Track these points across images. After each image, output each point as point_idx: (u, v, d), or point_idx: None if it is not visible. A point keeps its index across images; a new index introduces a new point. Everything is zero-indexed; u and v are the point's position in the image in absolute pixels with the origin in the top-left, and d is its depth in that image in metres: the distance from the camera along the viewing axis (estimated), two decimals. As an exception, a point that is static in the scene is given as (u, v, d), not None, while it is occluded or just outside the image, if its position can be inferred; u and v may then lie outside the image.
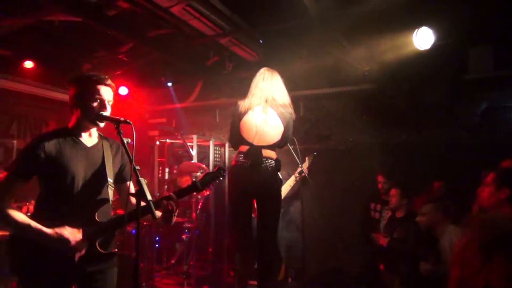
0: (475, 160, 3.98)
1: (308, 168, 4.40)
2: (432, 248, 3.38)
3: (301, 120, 5.70)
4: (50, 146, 2.08)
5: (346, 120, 5.31)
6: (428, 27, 3.92)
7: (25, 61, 5.05)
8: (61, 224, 2.01)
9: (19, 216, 2.00)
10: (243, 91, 5.84)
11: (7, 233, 3.21)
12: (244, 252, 3.46)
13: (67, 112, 2.26)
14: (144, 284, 4.59)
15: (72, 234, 2.01)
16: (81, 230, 2.04)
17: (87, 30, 4.60)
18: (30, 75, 5.27)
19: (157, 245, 5.68)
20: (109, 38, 4.91)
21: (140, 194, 1.98)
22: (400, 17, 3.92)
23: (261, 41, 5.19)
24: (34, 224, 1.98)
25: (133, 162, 2.02)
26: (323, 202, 5.21)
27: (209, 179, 2.33)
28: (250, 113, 3.34)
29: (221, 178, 2.35)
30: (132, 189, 2.19)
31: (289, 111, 3.40)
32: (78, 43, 5.04)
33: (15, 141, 5.52)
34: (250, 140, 3.30)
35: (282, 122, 3.32)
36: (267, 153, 3.27)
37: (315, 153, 4.53)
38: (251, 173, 3.21)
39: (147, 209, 1.97)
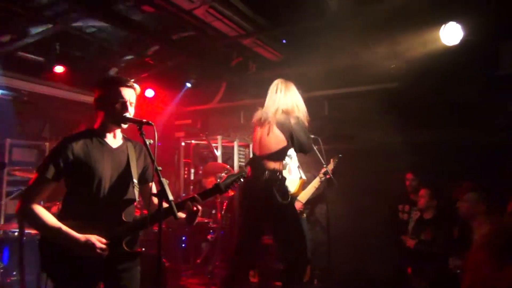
0: (507, 160, 3.82)
1: (333, 170, 4.35)
2: (464, 242, 3.27)
3: (326, 119, 5.65)
4: (78, 147, 2.13)
5: (371, 120, 5.20)
6: (456, 22, 3.79)
7: (56, 66, 5.23)
8: (89, 225, 2.07)
9: (49, 217, 2.04)
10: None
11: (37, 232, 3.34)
12: (238, 257, 3.46)
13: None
14: (169, 283, 4.65)
15: (99, 241, 2.04)
16: (106, 241, 2.07)
17: (114, 35, 4.73)
18: (61, 80, 5.45)
19: (183, 245, 5.77)
20: (135, 42, 5.03)
21: (162, 194, 2.00)
22: (426, 12, 3.81)
23: (284, 41, 5.17)
24: (64, 228, 2.02)
25: (155, 163, 2.05)
26: (348, 203, 5.12)
27: (232, 181, 2.34)
28: (258, 124, 3.43)
29: (242, 180, 2.36)
30: (154, 190, 2.23)
31: (289, 119, 3.34)
32: (106, 48, 5.19)
33: (47, 144, 5.73)
34: (254, 151, 3.44)
35: (281, 131, 3.30)
36: (267, 164, 3.28)
37: (340, 155, 4.46)
38: (252, 187, 3.29)
39: (169, 210, 2.00)
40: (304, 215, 4.36)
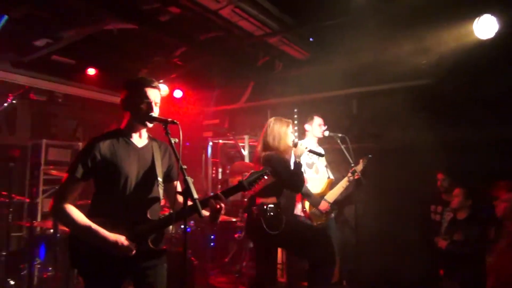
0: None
1: (362, 170, 4.26)
2: (499, 240, 3.13)
3: (354, 118, 5.55)
4: (105, 147, 2.19)
5: (400, 118, 5.07)
6: (491, 14, 3.62)
7: (88, 68, 5.41)
8: (115, 222, 2.12)
9: (80, 216, 2.11)
10: (294, 90, 5.87)
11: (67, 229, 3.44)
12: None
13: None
14: (198, 281, 4.70)
15: (128, 241, 2.10)
16: (132, 243, 2.12)
17: (142, 37, 4.84)
18: (93, 82, 5.63)
19: (212, 244, 5.82)
20: (163, 44, 5.12)
21: (186, 192, 2.02)
22: (458, 5, 3.66)
23: (311, 39, 5.12)
24: (94, 226, 2.08)
25: (180, 161, 2.07)
26: (377, 203, 5.01)
27: (255, 178, 2.34)
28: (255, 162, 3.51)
29: (265, 177, 2.35)
30: (180, 188, 2.25)
31: (267, 155, 3.33)
32: (135, 50, 5.31)
33: (80, 144, 5.93)
34: None
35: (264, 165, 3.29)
36: (256, 199, 3.37)
37: (369, 156, 4.36)
38: (247, 222, 3.58)
39: (194, 208, 2.01)
40: (332, 215, 4.30)
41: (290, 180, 3.31)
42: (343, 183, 4.24)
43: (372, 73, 5.06)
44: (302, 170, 4.15)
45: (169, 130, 2.19)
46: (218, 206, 2.16)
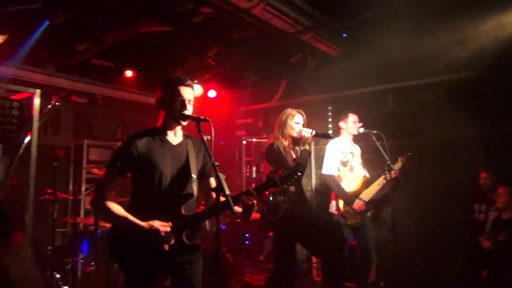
0: None
1: (401, 169, 4.15)
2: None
3: (390, 114, 5.41)
4: (141, 145, 2.26)
5: (439, 113, 4.88)
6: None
7: (126, 71, 5.59)
8: (152, 216, 2.18)
9: (117, 208, 2.20)
10: (327, 87, 5.79)
11: (108, 225, 3.58)
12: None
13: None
14: (234, 279, 4.75)
15: (162, 226, 2.16)
16: (170, 223, 2.18)
17: (177, 39, 4.94)
18: (131, 84, 5.82)
19: (247, 242, 5.86)
20: (197, 45, 5.21)
21: (219, 189, 2.05)
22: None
23: (344, 34, 5.04)
24: (130, 217, 2.16)
25: (212, 158, 2.11)
26: (416, 202, 4.86)
27: (287, 174, 2.33)
28: None
29: (299, 174, 2.33)
30: (213, 185, 2.28)
31: (266, 144, 3.55)
32: (170, 52, 5.43)
33: (120, 144, 6.13)
34: None
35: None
36: None
37: (409, 154, 4.23)
38: None
39: (226, 204, 2.03)
40: (368, 214, 4.20)
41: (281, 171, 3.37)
42: (379, 181, 4.14)
43: (408, 68, 4.90)
44: (335, 166, 4.12)
45: (201, 128, 2.24)
46: (250, 203, 2.18)
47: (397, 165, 4.14)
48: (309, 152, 3.40)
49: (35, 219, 3.60)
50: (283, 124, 3.51)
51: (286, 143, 3.47)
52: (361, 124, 4.27)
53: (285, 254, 3.47)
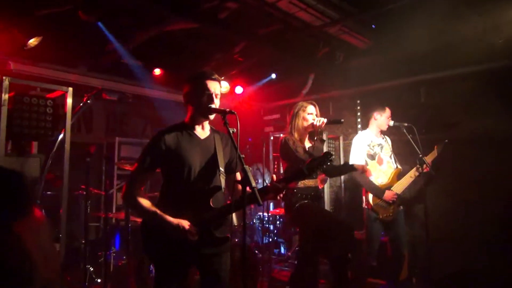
0: None
1: (437, 157, 4.02)
2: None
3: (422, 107, 5.23)
4: (170, 139, 2.29)
5: (475, 105, 4.67)
6: None
7: (154, 69, 5.68)
8: (181, 210, 2.20)
9: (147, 203, 2.24)
10: (356, 80, 5.68)
11: (139, 219, 3.64)
12: None
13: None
14: (262, 274, 4.74)
15: (189, 226, 2.18)
16: (194, 227, 2.19)
17: (204, 36, 4.97)
18: (159, 82, 5.91)
19: (275, 238, 5.85)
20: (224, 41, 5.22)
21: (245, 181, 2.04)
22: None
23: (373, 26, 4.92)
24: (159, 212, 2.20)
25: (238, 150, 2.10)
26: (451, 197, 4.69)
27: (316, 164, 2.30)
28: None
29: (328, 163, 2.29)
30: (239, 177, 2.27)
31: (280, 140, 3.56)
32: (197, 49, 5.47)
33: (149, 139, 6.25)
34: None
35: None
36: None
37: (446, 141, 4.09)
38: None
39: (252, 196, 2.02)
40: (401, 208, 4.08)
41: (293, 165, 3.34)
42: (412, 173, 4.03)
43: (440, 58, 4.71)
44: (362, 160, 4.04)
45: (227, 121, 2.24)
46: (281, 186, 2.20)
47: (432, 155, 4.02)
48: (323, 141, 3.37)
49: (69, 214, 3.72)
50: (296, 117, 3.50)
51: (297, 136, 3.44)
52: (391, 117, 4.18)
53: (308, 248, 3.43)
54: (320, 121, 3.33)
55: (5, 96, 3.37)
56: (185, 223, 2.18)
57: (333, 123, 3.48)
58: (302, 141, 3.46)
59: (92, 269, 4.38)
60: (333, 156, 2.37)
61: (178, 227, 2.16)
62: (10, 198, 1.00)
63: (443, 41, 4.37)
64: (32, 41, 4.26)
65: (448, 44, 4.39)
